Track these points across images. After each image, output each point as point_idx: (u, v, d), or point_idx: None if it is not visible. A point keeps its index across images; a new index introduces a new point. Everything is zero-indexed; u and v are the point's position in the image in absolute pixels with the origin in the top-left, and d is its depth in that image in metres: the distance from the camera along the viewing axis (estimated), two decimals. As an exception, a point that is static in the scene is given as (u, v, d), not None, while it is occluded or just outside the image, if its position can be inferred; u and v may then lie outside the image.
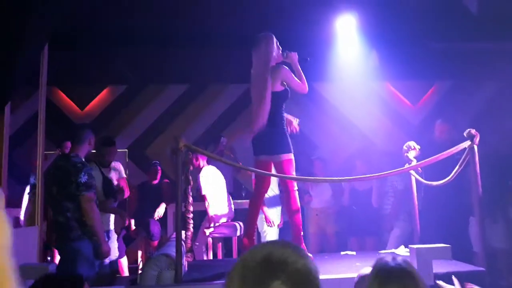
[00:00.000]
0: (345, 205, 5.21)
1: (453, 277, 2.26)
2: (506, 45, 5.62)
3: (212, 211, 4.90)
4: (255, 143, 3.44)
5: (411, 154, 4.27)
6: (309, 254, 0.93)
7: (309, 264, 0.91)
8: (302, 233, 3.40)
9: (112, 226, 4.17)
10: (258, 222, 4.85)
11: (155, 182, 5.63)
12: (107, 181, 4.10)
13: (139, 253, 5.51)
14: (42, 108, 3.22)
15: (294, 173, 3.43)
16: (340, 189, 5.21)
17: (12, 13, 2.03)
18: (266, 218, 4.81)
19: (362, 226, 4.95)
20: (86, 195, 3.29)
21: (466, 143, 3.20)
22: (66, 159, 3.40)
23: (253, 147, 3.44)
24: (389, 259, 1.46)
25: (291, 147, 3.40)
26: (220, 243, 5.32)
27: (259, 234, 4.95)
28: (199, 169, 5.10)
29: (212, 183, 4.97)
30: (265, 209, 4.80)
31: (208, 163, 5.13)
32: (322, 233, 5.25)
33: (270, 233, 4.97)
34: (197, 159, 4.96)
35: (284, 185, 3.45)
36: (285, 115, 3.49)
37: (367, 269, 1.73)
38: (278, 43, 3.50)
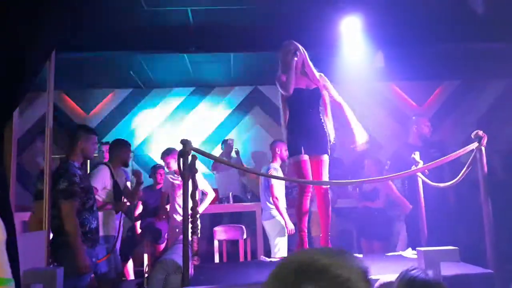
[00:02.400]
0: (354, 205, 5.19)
1: None
2: (511, 45, 5.58)
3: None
4: None
5: (418, 156, 4.25)
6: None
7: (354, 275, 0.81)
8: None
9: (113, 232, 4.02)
10: (270, 231, 4.81)
11: (160, 186, 5.63)
12: (116, 185, 4.10)
13: (145, 256, 5.51)
14: (49, 113, 3.21)
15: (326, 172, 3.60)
16: (342, 190, 5.19)
17: (20, 19, 2.03)
18: (286, 224, 4.68)
19: (369, 228, 4.91)
20: (63, 203, 3.13)
21: (474, 145, 3.17)
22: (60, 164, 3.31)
23: None
24: (417, 273, 1.42)
25: (295, 149, 3.50)
26: (226, 246, 5.31)
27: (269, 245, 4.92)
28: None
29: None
30: (285, 214, 4.72)
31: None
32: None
33: (281, 243, 4.87)
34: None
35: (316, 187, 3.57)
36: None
37: (386, 277, 1.69)
38: (295, 46, 3.63)
